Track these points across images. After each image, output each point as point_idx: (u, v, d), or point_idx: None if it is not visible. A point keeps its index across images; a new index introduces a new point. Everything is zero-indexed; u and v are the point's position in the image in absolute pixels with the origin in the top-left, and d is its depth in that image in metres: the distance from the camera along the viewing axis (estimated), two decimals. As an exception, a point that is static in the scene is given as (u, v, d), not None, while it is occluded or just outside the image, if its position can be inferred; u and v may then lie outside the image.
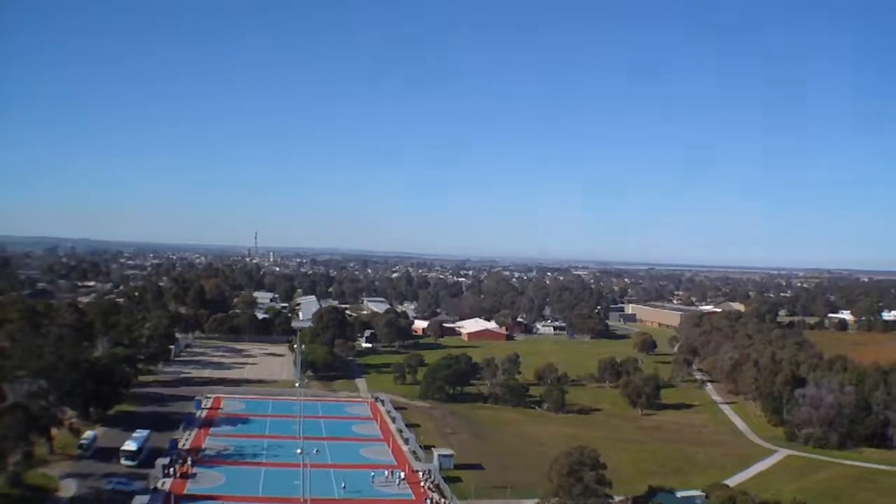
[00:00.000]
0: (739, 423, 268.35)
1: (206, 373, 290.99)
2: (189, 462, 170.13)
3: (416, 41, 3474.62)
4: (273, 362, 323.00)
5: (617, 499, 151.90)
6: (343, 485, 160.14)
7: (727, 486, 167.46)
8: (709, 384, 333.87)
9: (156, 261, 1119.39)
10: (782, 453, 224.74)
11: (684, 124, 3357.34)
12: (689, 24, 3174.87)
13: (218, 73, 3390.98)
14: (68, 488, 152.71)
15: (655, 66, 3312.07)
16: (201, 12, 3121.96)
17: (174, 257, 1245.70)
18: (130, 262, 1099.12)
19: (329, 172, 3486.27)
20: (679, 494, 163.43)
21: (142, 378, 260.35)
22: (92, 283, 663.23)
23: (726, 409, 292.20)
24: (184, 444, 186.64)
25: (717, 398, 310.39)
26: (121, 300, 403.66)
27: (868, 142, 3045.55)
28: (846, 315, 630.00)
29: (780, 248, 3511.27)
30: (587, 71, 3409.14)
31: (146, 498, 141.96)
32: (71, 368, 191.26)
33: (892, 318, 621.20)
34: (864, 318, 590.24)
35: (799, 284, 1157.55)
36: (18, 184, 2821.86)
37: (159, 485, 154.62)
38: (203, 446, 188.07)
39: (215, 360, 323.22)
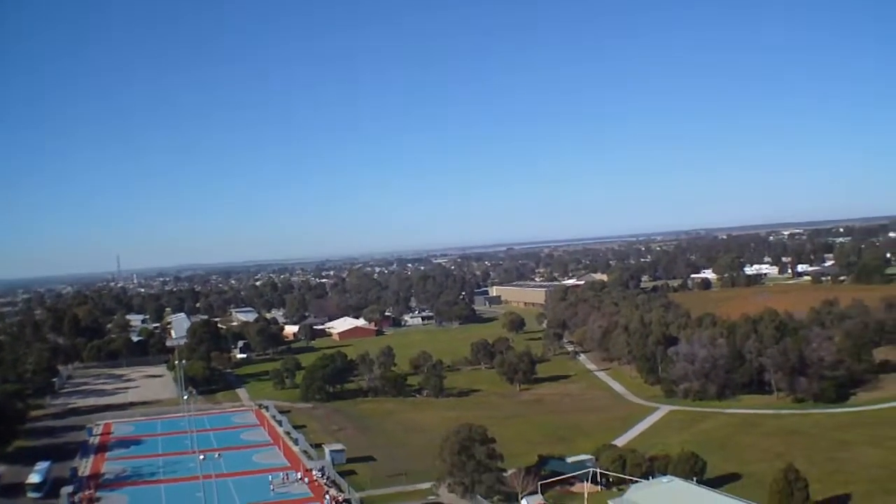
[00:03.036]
0: (617, 387, 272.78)
1: (92, 401, 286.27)
2: (92, 487, 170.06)
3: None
4: (153, 383, 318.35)
5: (509, 471, 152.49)
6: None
7: (615, 447, 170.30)
8: (581, 354, 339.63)
9: (25, 295, 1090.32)
10: (664, 410, 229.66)
11: (520, 97, 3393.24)
12: None
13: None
14: None
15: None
16: None
17: (42, 290, 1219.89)
18: (1, 299, 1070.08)
19: (181, 187, 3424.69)
20: (569, 460, 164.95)
21: (32, 412, 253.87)
22: None
23: (602, 375, 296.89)
24: (83, 472, 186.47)
25: (591, 367, 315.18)
26: (1, 337, 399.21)
27: (714, 98, 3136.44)
28: (709, 274, 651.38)
29: (635, 214, 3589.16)
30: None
31: None
32: None
33: (753, 272, 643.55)
34: (726, 275, 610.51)
35: (658, 248, 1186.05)
36: None
37: None
38: (102, 471, 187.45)
39: (98, 387, 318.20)
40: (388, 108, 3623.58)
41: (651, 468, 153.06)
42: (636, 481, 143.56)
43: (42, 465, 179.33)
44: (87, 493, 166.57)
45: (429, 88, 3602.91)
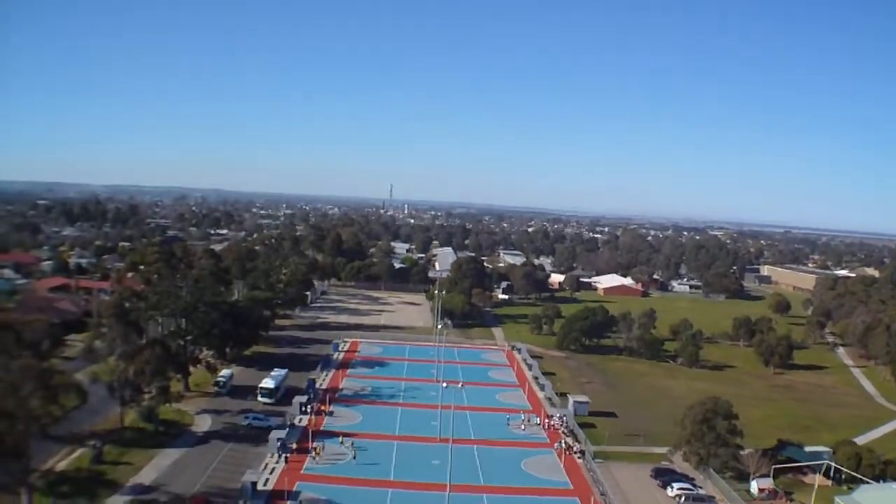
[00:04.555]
0: (869, 387, 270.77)
1: (343, 318, 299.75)
2: (327, 400, 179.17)
3: None
4: (410, 310, 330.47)
5: (746, 451, 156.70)
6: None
7: (854, 444, 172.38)
8: (840, 348, 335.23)
9: (288, 211, 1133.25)
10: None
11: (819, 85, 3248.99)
12: None
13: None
14: (203, 423, 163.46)
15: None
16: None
17: (307, 208, 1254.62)
18: (262, 211, 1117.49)
19: (462, 128, 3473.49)
20: (807, 449, 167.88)
21: (279, 322, 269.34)
22: (224, 232, 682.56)
23: (857, 372, 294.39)
24: (321, 385, 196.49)
25: (848, 362, 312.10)
26: (256, 247, 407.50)
27: None
28: None
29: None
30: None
31: (283, 432, 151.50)
32: (209, 309, 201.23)
33: None
34: None
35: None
36: (147, 135, 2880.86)
37: (296, 421, 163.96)
38: (340, 386, 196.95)
39: (352, 306, 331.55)
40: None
41: (885, 471, 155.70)
42: (868, 482, 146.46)
43: (278, 373, 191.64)
44: (321, 404, 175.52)
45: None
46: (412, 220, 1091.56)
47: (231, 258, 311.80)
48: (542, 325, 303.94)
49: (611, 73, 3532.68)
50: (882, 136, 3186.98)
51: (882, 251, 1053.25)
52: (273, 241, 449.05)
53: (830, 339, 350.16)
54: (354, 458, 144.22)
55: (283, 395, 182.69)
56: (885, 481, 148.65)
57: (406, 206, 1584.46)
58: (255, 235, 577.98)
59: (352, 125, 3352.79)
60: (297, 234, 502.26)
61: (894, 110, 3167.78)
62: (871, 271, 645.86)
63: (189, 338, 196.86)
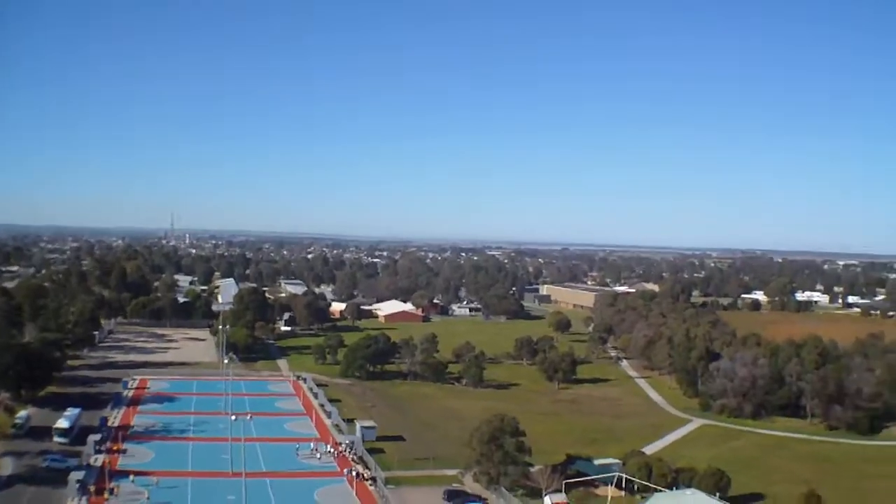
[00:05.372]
0: (655, 396, 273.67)
1: (131, 356, 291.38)
2: (119, 438, 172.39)
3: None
4: (195, 346, 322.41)
5: (536, 467, 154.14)
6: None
7: (643, 454, 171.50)
8: (624, 361, 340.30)
9: (75, 244, 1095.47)
10: (697, 423, 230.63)
11: (593, 107, 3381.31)
12: None
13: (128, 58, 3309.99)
14: (5, 466, 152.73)
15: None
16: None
17: (93, 241, 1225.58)
18: (49, 245, 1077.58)
19: (242, 154, 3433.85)
20: (597, 462, 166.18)
21: (69, 363, 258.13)
22: (15, 268, 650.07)
23: (641, 382, 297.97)
24: (113, 422, 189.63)
25: (632, 373, 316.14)
26: (46, 283, 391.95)
27: (782, 126, 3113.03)
28: (759, 295, 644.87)
29: (693, 228, 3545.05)
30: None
31: (81, 473, 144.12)
32: (2, 352, 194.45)
33: (804, 298, 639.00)
34: (776, 298, 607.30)
35: (713, 265, 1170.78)
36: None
37: (92, 461, 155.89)
38: (132, 423, 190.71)
39: (139, 344, 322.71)
40: (462, 95, 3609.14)
41: (676, 480, 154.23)
42: (660, 490, 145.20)
43: (72, 412, 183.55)
44: (114, 443, 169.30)
45: (492, 88, 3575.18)
46: (193, 251, 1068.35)
47: (21, 296, 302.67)
48: (325, 354, 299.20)
49: (383, 99, 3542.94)
50: (651, 149, 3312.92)
51: (660, 265, 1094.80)
52: (60, 276, 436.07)
53: (613, 353, 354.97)
54: (148, 498, 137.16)
55: (77, 434, 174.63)
56: (678, 488, 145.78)
57: (187, 235, 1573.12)
58: (43, 271, 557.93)
59: (131, 151, 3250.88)
60: (83, 268, 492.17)
61: (660, 126, 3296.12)
62: (651, 286, 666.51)
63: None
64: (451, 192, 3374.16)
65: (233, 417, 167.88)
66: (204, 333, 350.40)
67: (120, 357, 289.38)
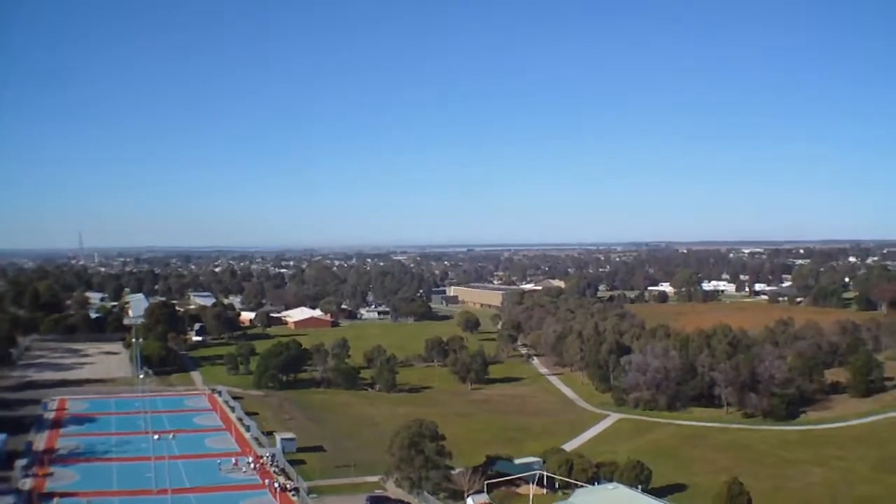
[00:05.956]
0: (568, 392, 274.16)
1: (48, 375, 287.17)
2: (45, 462, 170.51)
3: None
4: (109, 360, 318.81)
5: (457, 469, 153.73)
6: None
7: (563, 451, 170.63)
8: (535, 358, 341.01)
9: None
10: (613, 417, 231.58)
11: (489, 104, 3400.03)
12: None
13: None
14: None
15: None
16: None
17: (4, 263, 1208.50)
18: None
19: (147, 171, 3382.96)
20: (517, 461, 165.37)
21: None
22: None
23: (554, 379, 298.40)
24: (38, 446, 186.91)
25: (543, 370, 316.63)
26: None
27: (690, 116, 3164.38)
28: (666, 287, 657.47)
29: (597, 223, 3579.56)
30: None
31: (11, 498, 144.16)
32: None
33: (711, 288, 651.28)
34: (683, 289, 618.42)
35: (618, 259, 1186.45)
36: None
37: (20, 485, 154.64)
38: (56, 447, 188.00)
39: (55, 361, 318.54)
40: (358, 103, 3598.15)
41: (597, 474, 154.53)
42: (582, 486, 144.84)
43: None
44: (40, 467, 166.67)
45: (403, 88, 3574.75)
46: (103, 269, 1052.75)
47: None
48: (238, 364, 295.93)
49: (276, 108, 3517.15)
50: (549, 147, 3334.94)
51: (565, 262, 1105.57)
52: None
53: (524, 350, 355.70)
54: None
55: (4, 460, 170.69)
56: (599, 483, 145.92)
57: (96, 254, 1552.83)
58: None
59: (39, 169, 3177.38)
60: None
61: (557, 124, 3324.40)
62: (557, 283, 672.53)
63: None
64: (354, 198, 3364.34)
65: (156, 437, 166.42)
66: (117, 347, 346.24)
67: (37, 376, 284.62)
